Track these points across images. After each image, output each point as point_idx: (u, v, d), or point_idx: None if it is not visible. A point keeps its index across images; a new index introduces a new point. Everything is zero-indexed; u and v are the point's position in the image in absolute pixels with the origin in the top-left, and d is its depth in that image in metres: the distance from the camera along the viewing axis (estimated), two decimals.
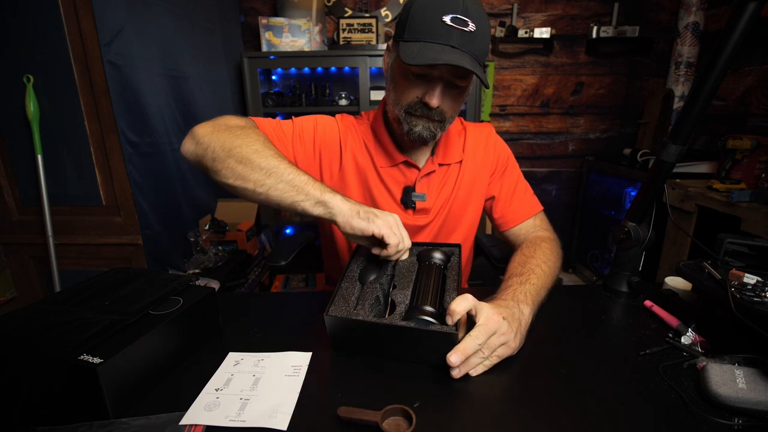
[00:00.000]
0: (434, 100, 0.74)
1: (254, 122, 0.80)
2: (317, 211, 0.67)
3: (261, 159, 0.68)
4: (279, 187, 0.67)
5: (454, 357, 0.53)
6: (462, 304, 0.56)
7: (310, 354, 0.63)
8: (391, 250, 0.68)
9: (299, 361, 0.61)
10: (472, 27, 0.69)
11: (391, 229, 0.67)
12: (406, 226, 0.92)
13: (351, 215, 0.66)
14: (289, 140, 0.86)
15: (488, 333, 0.56)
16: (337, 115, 0.93)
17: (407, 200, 0.90)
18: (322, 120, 0.90)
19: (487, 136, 0.96)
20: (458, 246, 0.79)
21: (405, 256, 0.74)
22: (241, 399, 0.54)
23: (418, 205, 0.90)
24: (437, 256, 0.74)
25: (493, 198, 0.96)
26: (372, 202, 0.91)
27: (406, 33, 0.72)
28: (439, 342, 0.56)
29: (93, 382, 0.47)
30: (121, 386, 0.51)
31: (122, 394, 0.51)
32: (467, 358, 0.55)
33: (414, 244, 0.80)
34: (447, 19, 0.68)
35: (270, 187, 0.67)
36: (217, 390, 0.55)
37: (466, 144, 0.94)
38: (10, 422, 0.50)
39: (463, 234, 0.97)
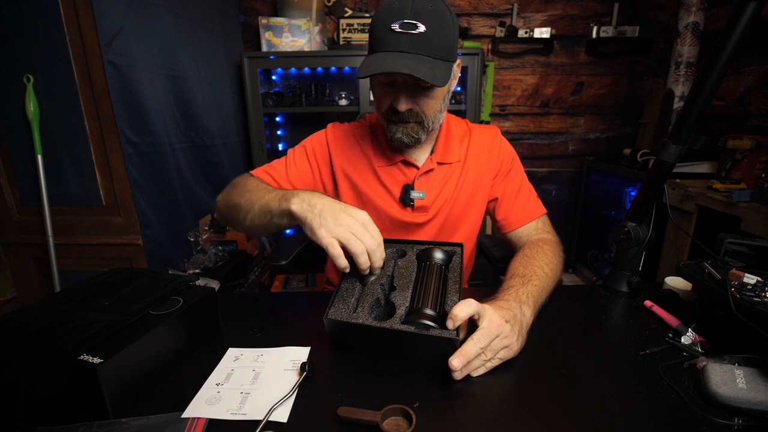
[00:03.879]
0: (401, 105, 0.77)
1: (254, 174, 0.90)
2: (284, 221, 0.69)
3: (241, 199, 0.78)
4: (256, 213, 0.74)
5: (455, 361, 0.53)
6: (465, 310, 0.56)
7: (308, 348, 0.64)
8: (356, 260, 0.61)
9: (298, 355, 0.62)
10: (422, 28, 0.70)
11: (351, 233, 0.60)
12: (406, 224, 0.93)
13: (307, 222, 0.63)
14: (283, 172, 0.92)
15: (490, 337, 0.56)
16: (329, 125, 0.97)
17: (405, 198, 0.91)
18: (312, 139, 0.96)
19: (492, 138, 0.96)
20: (460, 245, 0.77)
21: (377, 263, 0.64)
22: (241, 393, 0.54)
23: (417, 203, 0.91)
24: (438, 255, 0.72)
25: (496, 200, 0.96)
26: (367, 204, 0.92)
27: (369, 48, 0.78)
28: (439, 346, 0.56)
29: (93, 382, 0.48)
30: (121, 386, 0.51)
31: (122, 394, 0.51)
32: (469, 362, 0.55)
33: (414, 243, 0.79)
34: (395, 26, 0.71)
35: (251, 217, 0.75)
36: (218, 384, 0.56)
37: (470, 145, 0.94)
38: (10, 422, 0.50)
39: (466, 234, 0.97)
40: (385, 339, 0.59)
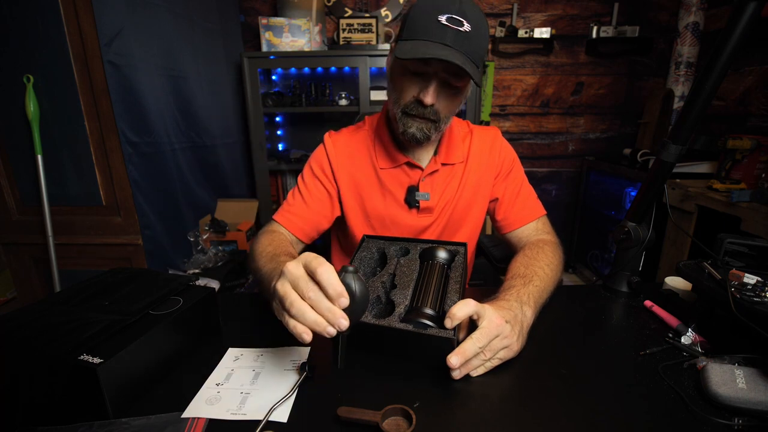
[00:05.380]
0: (428, 98, 0.75)
1: (277, 220, 0.90)
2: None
3: (252, 265, 0.78)
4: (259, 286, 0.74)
5: (454, 359, 0.53)
6: (463, 310, 0.56)
7: (308, 348, 0.63)
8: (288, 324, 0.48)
9: (298, 355, 0.62)
10: (467, 27, 0.70)
11: (280, 302, 0.48)
12: (411, 227, 0.93)
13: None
14: (303, 207, 0.91)
15: (490, 336, 0.56)
16: (325, 135, 0.96)
17: (411, 200, 0.91)
18: (314, 157, 0.95)
19: (493, 139, 0.96)
20: (464, 245, 0.77)
21: (338, 324, 0.46)
22: (241, 393, 0.54)
23: (422, 204, 0.91)
24: (441, 254, 0.72)
25: (496, 200, 0.96)
26: (371, 211, 0.93)
27: (405, 33, 0.75)
28: (436, 346, 0.56)
29: (93, 382, 0.47)
30: (121, 386, 0.51)
31: (122, 394, 0.51)
32: (468, 361, 0.55)
33: (418, 242, 0.79)
34: (442, 18, 0.70)
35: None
36: (217, 385, 0.56)
37: (472, 146, 0.94)
38: (11, 422, 0.50)
39: (467, 235, 0.97)
40: (384, 337, 0.59)
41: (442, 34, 0.70)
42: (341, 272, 0.48)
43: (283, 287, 0.48)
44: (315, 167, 0.94)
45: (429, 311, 0.60)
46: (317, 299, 0.46)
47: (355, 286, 0.48)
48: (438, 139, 0.92)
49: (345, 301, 0.46)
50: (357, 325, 0.59)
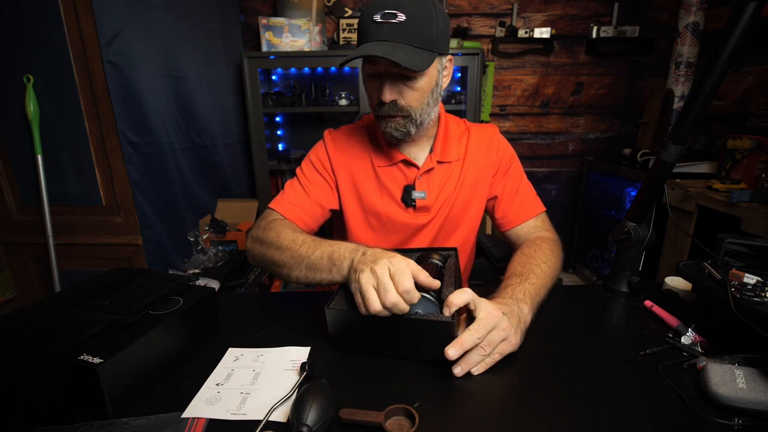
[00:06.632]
0: (384, 95, 0.78)
1: (276, 209, 0.87)
2: (336, 280, 0.67)
3: (282, 256, 0.74)
4: (303, 273, 0.71)
5: (451, 350, 0.53)
6: (460, 297, 0.56)
7: (308, 348, 0.63)
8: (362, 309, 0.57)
9: (298, 355, 0.62)
10: (401, 17, 0.72)
11: (366, 286, 0.56)
12: (407, 225, 0.93)
13: (352, 277, 0.61)
14: (305, 198, 0.91)
15: (488, 328, 0.56)
16: (325, 132, 0.97)
17: (407, 198, 0.91)
18: (313, 151, 0.96)
19: (490, 137, 0.96)
20: (454, 249, 0.79)
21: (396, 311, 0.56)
22: (241, 393, 0.54)
23: (419, 203, 0.91)
24: (435, 257, 0.74)
25: (495, 198, 0.96)
26: (369, 209, 0.92)
27: (357, 43, 0.79)
28: (436, 332, 0.56)
29: (93, 382, 0.48)
30: (121, 386, 0.51)
31: (122, 394, 0.51)
32: (467, 354, 0.56)
33: (409, 251, 0.80)
34: (377, 17, 0.72)
35: (297, 275, 0.72)
36: (217, 385, 0.56)
37: (469, 144, 0.94)
38: (11, 422, 0.50)
39: (465, 234, 0.97)
40: (384, 328, 0.59)
41: (377, 31, 0.72)
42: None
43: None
44: (314, 160, 0.94)
45: (427, 296, 0.60)
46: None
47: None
48: (431, 137, 0.93)
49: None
50: (358, 318, 0.60)
